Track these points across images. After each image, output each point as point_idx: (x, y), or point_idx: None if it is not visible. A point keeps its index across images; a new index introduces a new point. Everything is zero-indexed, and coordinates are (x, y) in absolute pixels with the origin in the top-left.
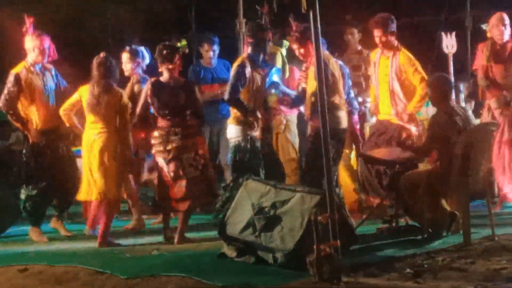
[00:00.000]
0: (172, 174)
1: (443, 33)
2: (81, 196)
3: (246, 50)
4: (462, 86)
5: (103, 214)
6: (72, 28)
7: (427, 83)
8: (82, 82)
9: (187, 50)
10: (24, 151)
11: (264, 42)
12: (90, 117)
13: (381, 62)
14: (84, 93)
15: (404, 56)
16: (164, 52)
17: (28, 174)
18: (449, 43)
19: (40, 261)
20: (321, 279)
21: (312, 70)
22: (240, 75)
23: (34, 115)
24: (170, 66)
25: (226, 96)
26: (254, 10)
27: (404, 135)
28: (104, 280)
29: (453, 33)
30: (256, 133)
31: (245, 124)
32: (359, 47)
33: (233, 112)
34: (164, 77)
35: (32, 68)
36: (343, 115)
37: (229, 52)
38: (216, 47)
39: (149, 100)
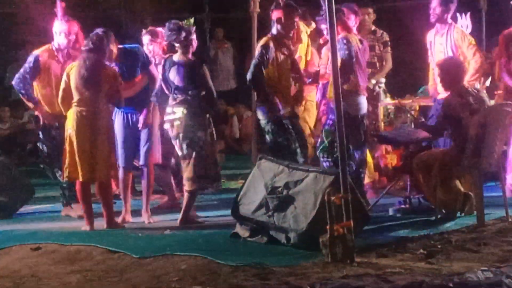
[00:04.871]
0: (178, 152)
1: (458, 14)
2: (68, 176)
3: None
4: None
5: (100, 198)
6: (86, 8)
7: (439, 66)
8: None
9: (193, 29)
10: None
11: (292, 21)
12: (77, 95)
13: (436, 40)
14: (72, 71)
15: (458, 32)
16: (169, 30)
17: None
18: (463, 24)
19: (53, 240)
20: (334, 259)
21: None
22: (263, 55)
23: (46, 98)
24: (177, 44)
25: (248, 76)
26: None
27: None
28: (117, 259)
29: (468, 14)
30: (284, 112)
31: (271, 105)
32: (373, 27)
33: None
34: (176, 54)
35: (55, 53)
36: (362, 101)
37: (242, 32)
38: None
39: (161, 77)
